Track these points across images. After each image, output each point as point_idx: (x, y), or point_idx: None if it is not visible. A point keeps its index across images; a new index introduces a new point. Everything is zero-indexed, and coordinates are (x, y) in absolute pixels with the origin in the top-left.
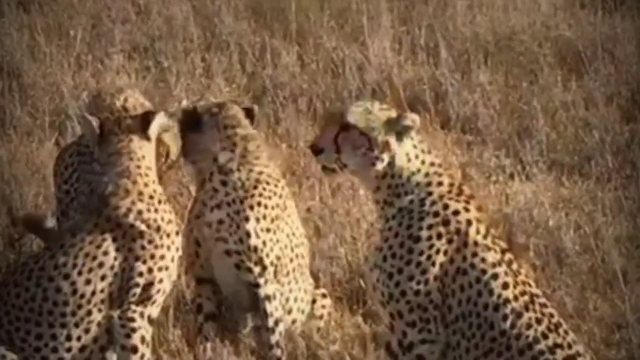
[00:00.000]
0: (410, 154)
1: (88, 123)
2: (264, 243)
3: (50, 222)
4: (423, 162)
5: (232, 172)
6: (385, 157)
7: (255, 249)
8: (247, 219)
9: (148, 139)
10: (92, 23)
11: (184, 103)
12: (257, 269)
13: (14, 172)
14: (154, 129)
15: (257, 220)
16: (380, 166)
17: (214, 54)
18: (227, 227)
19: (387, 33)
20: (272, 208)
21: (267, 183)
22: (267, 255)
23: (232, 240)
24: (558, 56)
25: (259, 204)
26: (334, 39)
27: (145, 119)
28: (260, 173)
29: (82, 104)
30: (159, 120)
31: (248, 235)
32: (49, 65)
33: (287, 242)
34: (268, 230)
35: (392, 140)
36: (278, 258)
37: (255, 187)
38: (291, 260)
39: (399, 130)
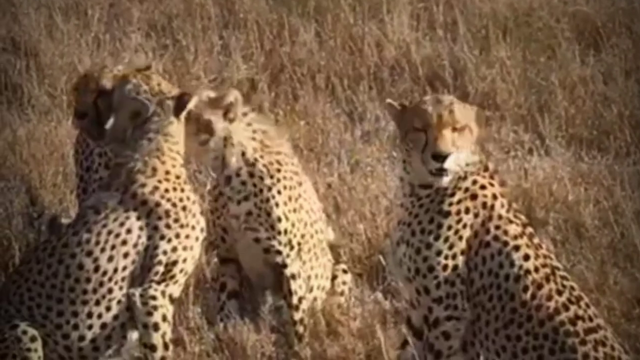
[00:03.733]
0: None
1: (139, 104)
2: (293, 224)
3: (65, 220)
4: None
5: (257, 162)
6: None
7: (286, 231)
8: (277, 205)
9: (179, 120)
10: (110, 2)
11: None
12: (286, 250)
13: (33, 151)
14: (186, 112)
15: (285, 203)
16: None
17: (231, 32)
18: (255, 217)
19: (406, 9)
20: (294, 188)
21: (286, 163)
22: (295, 236)
23: (262, 229)
24: (576, 31)
25: (284, 187)
26: (352, 15)
27: (180, 101)
28: (279, 153)
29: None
30: (193, 103)
31: (279, 220)
32: (66, 45)
33: (307, 219)
34: (294, 210)
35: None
36: (302, 236)
37: (278, 171)
38: (312, 236)
39: None
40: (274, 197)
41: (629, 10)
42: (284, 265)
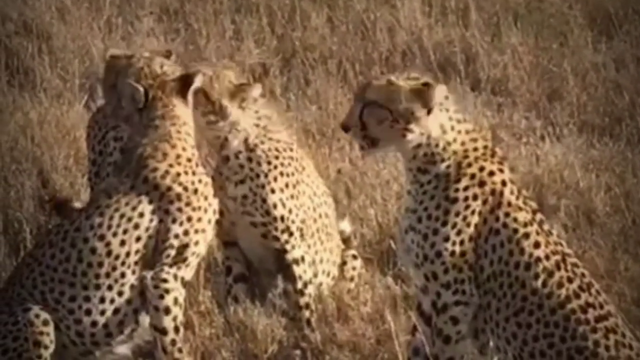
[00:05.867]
0: (445, 125)
1: (133, 89)
2: (290, 211)
3: (77, 204)
4: (459, 132)
5: (257, 147)
6: (414, 127)
7: (282, 218)
8: (272, 191)
9: (186, 101)
10: None
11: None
12: (284, 236)
13: (45, 135)
14: (192, 91)
15: (282, 190)
16: (411, 136)
17: (243, 16)
18: (251, 201)
19: None
20: (292, 174)
21: (285, 150)
22: (293, 222)
23: (258, 214)
24: (588, 18)
25: (281, 174)
26: (364, 1)
27: (185, 81)
28: (279, 141)
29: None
30: (198, 83)
31: (275, 206)
32: (79, 28)
33: (309, 204)
34: (292, 197)
35: (417, 108)
36: (303, 221)
37: (276, 157)
38: (315, 220)
39: (424, 100)
40: (269, 183)
41: None
42: (284, 251)
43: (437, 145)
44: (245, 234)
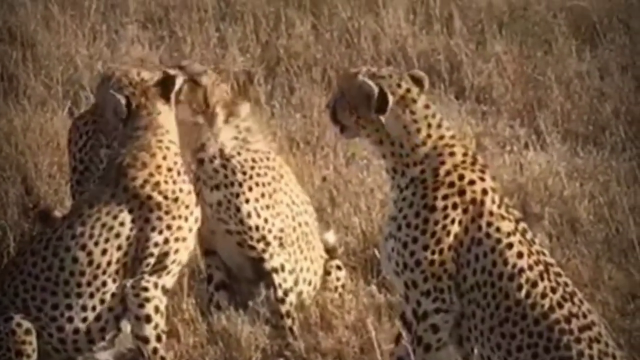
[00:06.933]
0: (409, 127)
1: (115, 100)
2: (265, 220)
3: (58, 212)
4: (429, 136)
5: (233, 158)
6: (365, 123)
7: (257, 227)
8: (247, 201)
9: (169, 104)
10: None
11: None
12: (260, 245)
13: (28, 142)
14: (174, 93)
15: (257, 200)
16: (364, 132)
17: (228, 24)
18: (225, 208)
19: (402, 3)
20: (269, 184)
21: (262, 160)
22: (270, 231)
23: (232, 222)
24: (573, 26)
25: (257, 184)
26: (348, 8)
27: (166, 84)
28: (256, 151)
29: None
30: (178, 84)
31: (249, 215)
32: (63, 36)
33: (288, 212)
34: (267, 207)
35: (365, 107)
36: (281, 230)
37: (252, 168)
38: (294, 229)
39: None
40: (244, 193)
41: (626, 6)
42: (262, 260)
43: (402, 146)
44: (223, 242)
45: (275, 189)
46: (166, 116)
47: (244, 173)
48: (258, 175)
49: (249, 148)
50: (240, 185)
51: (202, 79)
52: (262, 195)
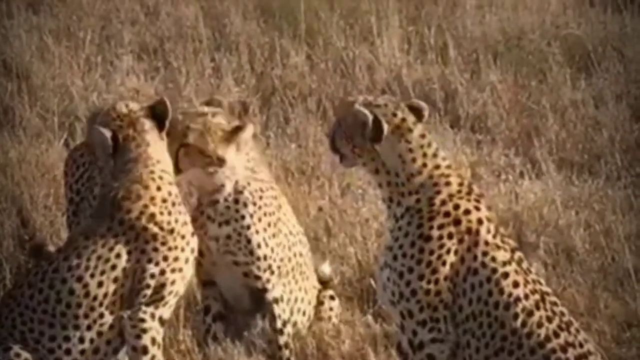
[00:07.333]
0: (404, 156)
1: (101, 136)
2: (272, 250)
3: (51, 247)
4: (425, 165)
5: (245, 189)
6: (360, 152)
7: (265, 257)
8: (257, 232)
9: (160, 131)
10: (101, 24)
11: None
12: (265, 275)
13: (24, 174)
14: (165, 120)
15: (265, 230)
16: (361, 160)
17: (223, 55)
18: (235, 241)
19: (397, 33)
20: (273, 213)
21: (267, 189)
22: (275, 260)
23: (241, 253)
24: (567, 55)
25: (265, 214)
26: (343, 38)
27: (154, 114)
28: (262, 181)
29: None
30: (170, 112)
31: (259, 246)
32: (58, 67)
33: (285, 242)
34: (273, 235)
35: (359, 136)
36: (282, 260)
37: (260, 198)
38: (289, 259)
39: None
40: (254, 224)
41: (620, 35)
42: (265, 290)
43: (397, 175)
44: (226, 273)
45: (278, 218)
46: (156, 147)
47: (254, 204)
48: (265, 205)
49: (256, 178)
50: (251, 216)
51: (189, 138)
52: (269, 224)
